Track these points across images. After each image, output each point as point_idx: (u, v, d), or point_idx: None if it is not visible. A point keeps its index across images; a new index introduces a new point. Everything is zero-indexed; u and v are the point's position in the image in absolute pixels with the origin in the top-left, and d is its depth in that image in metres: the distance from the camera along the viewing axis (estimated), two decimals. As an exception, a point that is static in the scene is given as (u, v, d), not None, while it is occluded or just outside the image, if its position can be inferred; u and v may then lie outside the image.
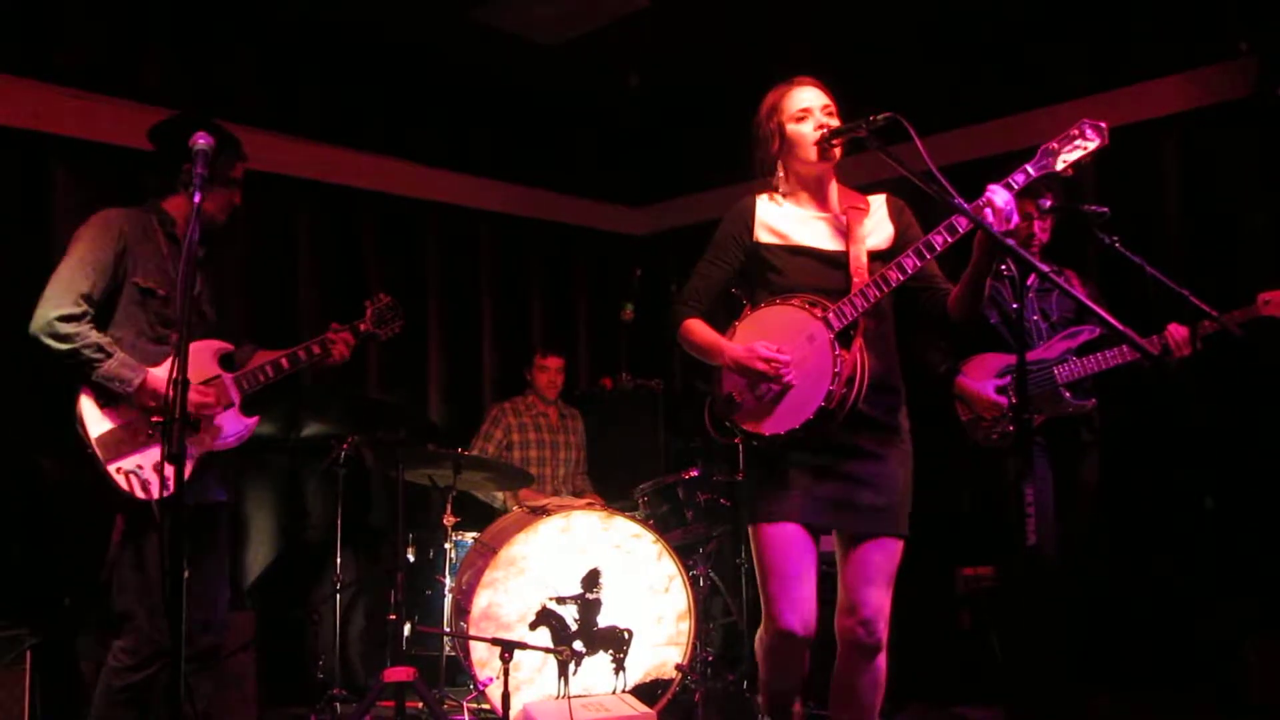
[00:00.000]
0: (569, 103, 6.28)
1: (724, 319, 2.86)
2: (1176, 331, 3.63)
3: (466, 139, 6.03)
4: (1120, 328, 2.32)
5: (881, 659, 2.71)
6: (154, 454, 2.91)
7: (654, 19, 5.08)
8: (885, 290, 2.61)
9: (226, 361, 3.21)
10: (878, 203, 2.86)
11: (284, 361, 3.24)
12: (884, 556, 2.70)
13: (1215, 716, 4.02)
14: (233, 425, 3.15)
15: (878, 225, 2.83)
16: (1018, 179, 2.49)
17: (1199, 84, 4.60)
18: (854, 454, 2.68)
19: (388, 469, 4.29)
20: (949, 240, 2.55)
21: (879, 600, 2.68)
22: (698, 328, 2.82)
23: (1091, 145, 2.47)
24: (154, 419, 2.90)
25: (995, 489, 3.86)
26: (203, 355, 3.12)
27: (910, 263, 2.58)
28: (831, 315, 2.62)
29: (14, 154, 4.32)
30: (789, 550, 2.67)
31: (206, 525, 3.10)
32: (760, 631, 2.81)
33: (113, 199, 4.58)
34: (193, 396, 2.83)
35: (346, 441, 4.27)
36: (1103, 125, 2.47)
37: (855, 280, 2.69)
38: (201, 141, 2.52)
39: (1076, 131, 2.48)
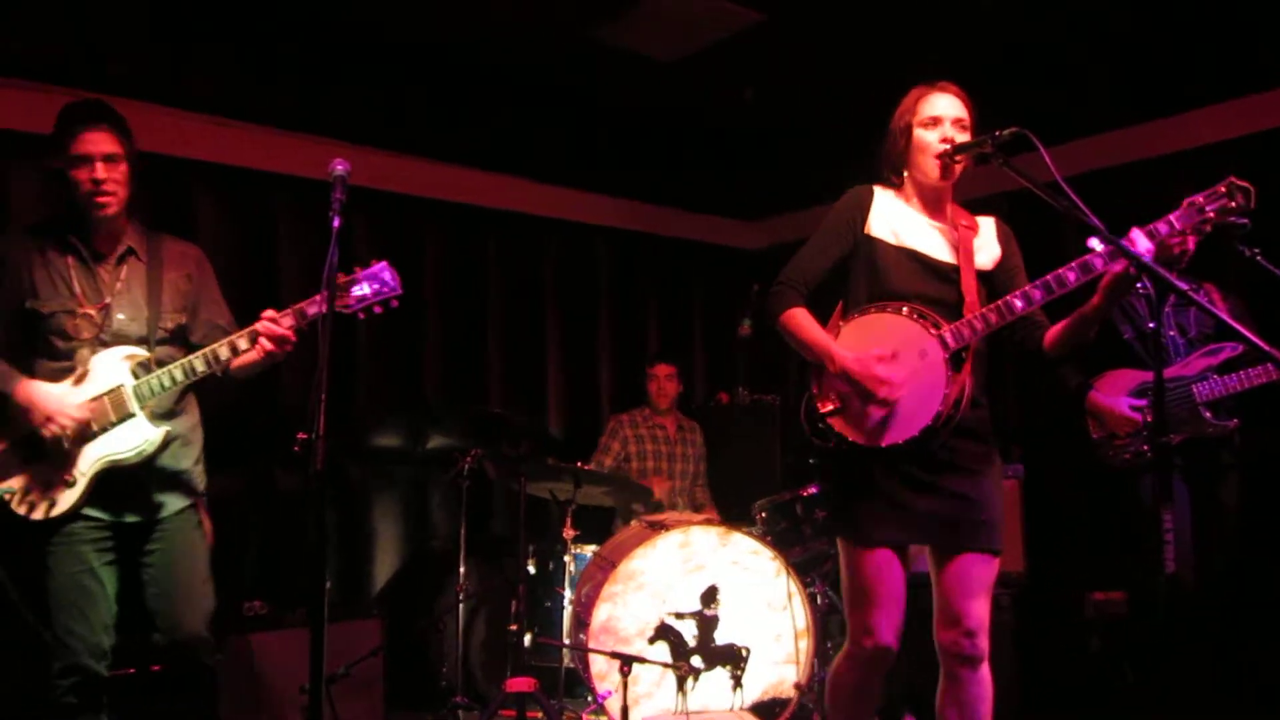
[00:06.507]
0: (685, 118, 6.31)
1: (816, 309, 2.77)
2: None
3: (584, 155, 6.11)
4: (1264, 346, 2.23)
5: (985, 669, 2.67)
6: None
7: (769, 32, 5.08)
8: (1007, 319, 2.57)
9: (144, 369, 2.82)
10: (987, 224, 2.82)
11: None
12: (985, 570, 2.67)
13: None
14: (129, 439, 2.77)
15: (986, 244, 2.79)
16: (1160, 228, 2.42)
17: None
18: (953, 469, 2.65)
19: (509, 482, 4.36)
20: (1083, 278, 2.50)
21: (981, 612, 2.65)
22: (804, 319, 2.73)
23: (1232, 206, 2.41)
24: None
25: (1128, 511, 3.75)
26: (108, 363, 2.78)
27: (1039, 295, 2.54)
28: (949, 335, 2.59)
29: (161, 179, 4.55)
30: (887, 574, 2.67)
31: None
32: (844, 651, 2.78)
33: (248, 220, 4.89)
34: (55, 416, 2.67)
35: (470, 455, 4.36)
36: (1249, 188, 2.41)
37: (967, 297, 2.65)
38: (340, 168, 2.47)
39: (1224, 189, 2.42)
